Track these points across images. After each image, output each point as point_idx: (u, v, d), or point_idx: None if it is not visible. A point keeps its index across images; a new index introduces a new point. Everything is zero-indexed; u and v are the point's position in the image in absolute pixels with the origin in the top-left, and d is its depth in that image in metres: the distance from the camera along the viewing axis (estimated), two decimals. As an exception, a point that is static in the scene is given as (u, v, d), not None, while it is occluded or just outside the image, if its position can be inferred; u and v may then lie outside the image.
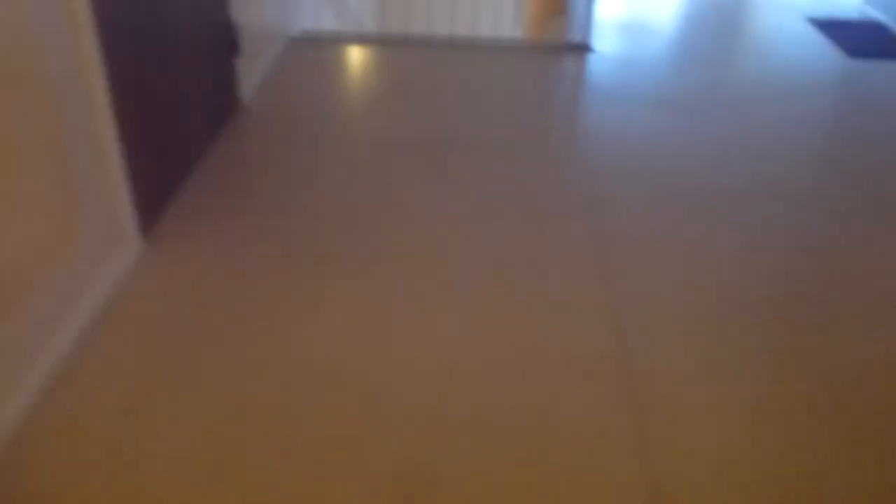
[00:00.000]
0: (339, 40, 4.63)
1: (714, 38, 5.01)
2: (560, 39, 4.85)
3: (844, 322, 2.29)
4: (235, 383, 1.99)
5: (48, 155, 1.93)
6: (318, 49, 4.45)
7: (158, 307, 2.25)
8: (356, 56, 4.44)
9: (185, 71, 2.84)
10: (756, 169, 3.20)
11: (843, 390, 2.02)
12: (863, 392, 2.02)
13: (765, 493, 1.73)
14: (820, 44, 4.90)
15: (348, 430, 1.85)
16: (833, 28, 5.20)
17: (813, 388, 2.02)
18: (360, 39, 4.70)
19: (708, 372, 2.08)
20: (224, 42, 3.29)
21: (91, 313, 2.15)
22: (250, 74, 3.72)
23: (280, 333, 2.17)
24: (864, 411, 1.96)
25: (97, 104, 2.16)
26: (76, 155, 2.06)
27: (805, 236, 2.74)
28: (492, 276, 2.44)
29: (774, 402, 1.98)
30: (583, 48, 4.62)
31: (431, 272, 2.45)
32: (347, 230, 2.66)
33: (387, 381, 2.00)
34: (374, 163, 3.13)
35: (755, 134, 3.54)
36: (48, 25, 1.90)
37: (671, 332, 2.22)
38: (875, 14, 5.48)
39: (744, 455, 1.82)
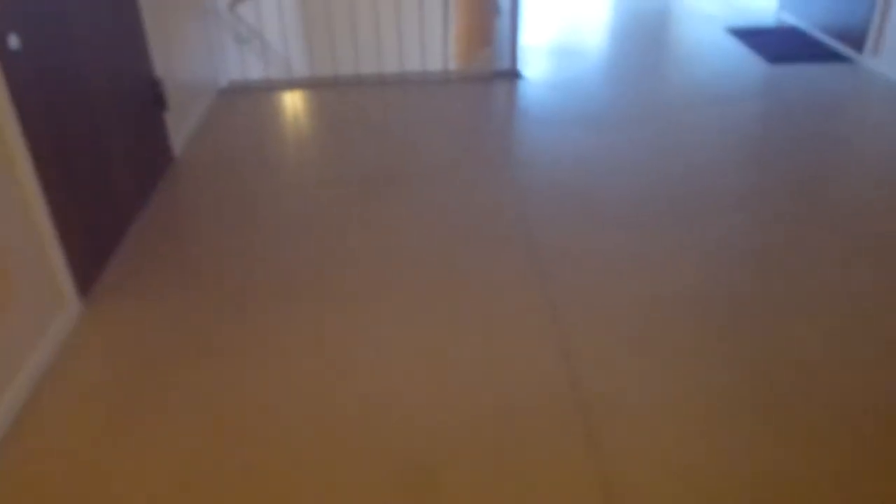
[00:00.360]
0: (269, 87, 4.60)
1: (640, 55, 5.11)
2: (489, 68, 4.90)
3: (786, 322, 2.31)
4: (190, 432, 1.93)
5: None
6: (249, 98, 4.42)
7: (100, 366, 2.18)
8: (287, 101, 4.41)
9: (110, 130, 2.77)
10: (687, 179, 3.23)
11: (788, 390, 2.02)
12: (808, 391, 2.03)
13: (718, 493, 1.72)
14: (741, 53, 5.04)
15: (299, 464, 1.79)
16: (752, 36, 5.36)
17: (759, 390, 2.02)
18: (290, 85, 4.68)
19: (656, 379, 2.06)
20: (149, 98, 3.24)
21: (32, 377, 2.10)
22: (181, 127, 3.66)
23: (230, 381, 2.11)
24: (811, 409, 1.96)
25: (19, 172, 2.09)
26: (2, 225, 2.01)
27: (742, 240, 2.76)
28: (441, 304, 2.41)
29: (724, 405, 1.97)
30: (512, 75, 4.68)
31: (378, 305, 2.41)
32: (289, 276, 2.60)
33: (344, 416, 1.95)
34: (312, 205, 3.09)
35: (685, 146, 3.59)
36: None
37: (617, 343, 2.21)
38: (791, 20, 5.67)
39: (696, 458, 1.80)
